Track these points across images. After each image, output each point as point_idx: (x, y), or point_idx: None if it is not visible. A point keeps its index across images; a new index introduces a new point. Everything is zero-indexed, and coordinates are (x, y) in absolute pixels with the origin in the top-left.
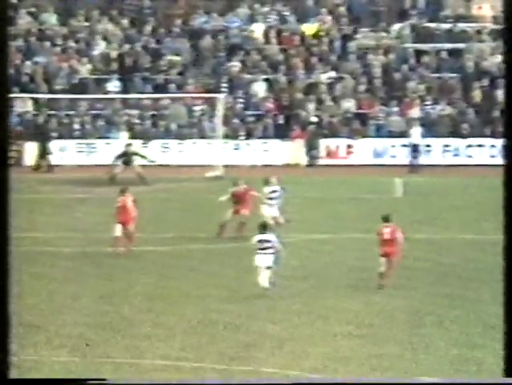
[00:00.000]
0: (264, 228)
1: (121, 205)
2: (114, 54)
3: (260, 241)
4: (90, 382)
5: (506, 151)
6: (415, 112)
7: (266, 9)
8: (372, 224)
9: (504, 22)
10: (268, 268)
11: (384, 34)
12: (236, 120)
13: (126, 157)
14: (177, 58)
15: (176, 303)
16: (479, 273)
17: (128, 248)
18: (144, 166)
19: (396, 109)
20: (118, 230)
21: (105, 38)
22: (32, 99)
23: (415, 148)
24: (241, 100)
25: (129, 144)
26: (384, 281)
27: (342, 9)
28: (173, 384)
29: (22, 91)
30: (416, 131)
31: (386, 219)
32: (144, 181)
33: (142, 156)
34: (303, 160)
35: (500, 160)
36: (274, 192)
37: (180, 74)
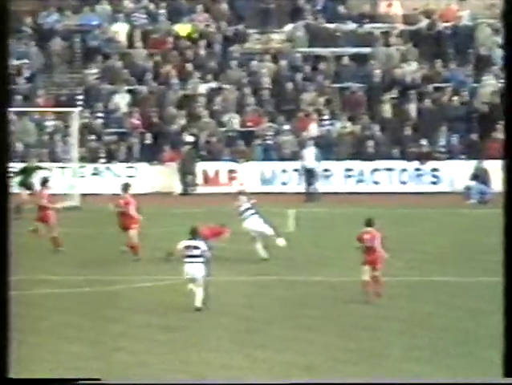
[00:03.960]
0: (193, 233)
1: (124, 206)
2: None
3: (188, 248)
4: (83, 381)
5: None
6: (311, 130)
7: (130, 5)
8: (258, 264)
9: (504, 26)
10: (197, 279)
11: (273, 36)
12: (94, 139)
13: (25, 174)
14: (24, 64)
15: (24, 360)
16: (389, 323)
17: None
18: None
19: (287, 126)
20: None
21: None
22: None
23: (309, 173)
24: (100, 115)
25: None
26: (371, 293)
27: (222, 6)
28: (168, 384)
29: None
30: (309, 153)
31: (368, 223)
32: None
33: (41, 168)
34: (177, 187)
35: (411, 188)
36: (248, 204)
37: (27, 82)
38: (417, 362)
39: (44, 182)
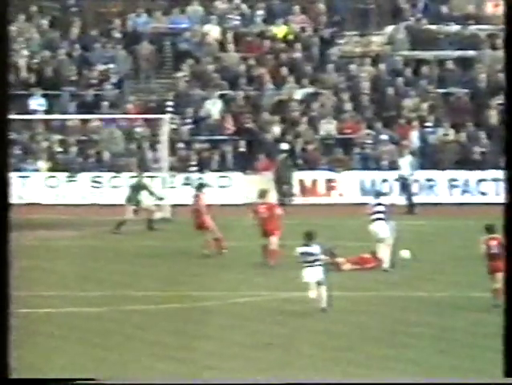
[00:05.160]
0: (309, 238)
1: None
2: (31, 63)
3: (303, 254)
4: (78, 381)
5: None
6: (413, 138)
7: (223, 6)
8: (353, 278)
9: (505, 26)
10: (319, 283)
11: (372, 38)
12: (185, 148)
13: (134, 192)
14: (111, 69)
15: (110, 379)
16: (491, 340)
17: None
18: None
19: (387, 133)
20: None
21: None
22: None
23: (405, 183)
24: (192, 122)
25: (140, 176)
26: (498, 299)
27: (320, 6)
28: (168, 384)
29: None
30: (405, 162)
31: (491, 229)
32: (151, 226)
33: (151, 192)
34: (272, 197)
35: None
36: (380, 204)
37: (115, 88)
38: None
39: (200, 187)
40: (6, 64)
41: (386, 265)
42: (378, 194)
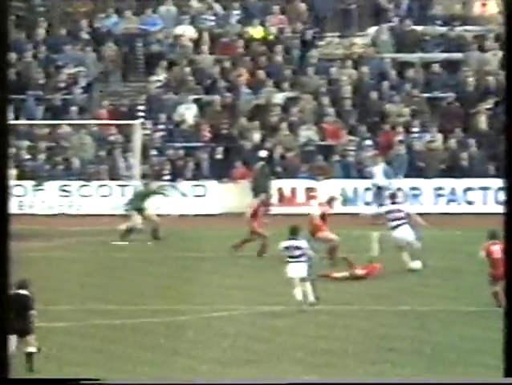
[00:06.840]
0: (294, 232)
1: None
2: None
3: (288, 248)
4: (83, 381)
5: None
6: (396, 145)
7: (197, 6)
8: (335, 292)
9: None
10: (303, 279)
11: (354, 40)
12: (157, 155)
13: (138, 200)
14: (80, 72)
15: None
16: (483, 357)
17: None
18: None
19: (370, 140)
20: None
21: None
22: None
23: (380, 192)
24: (165, 128)
25: (146, 183)
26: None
27: (300, 6)
28: (168, 384)
29: None
30: (378, 170)
31: (493, 235)
32: (156, 235)
33: (160, 194)
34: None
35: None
36: (399, 211)
37: (84, 92)
38: None
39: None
40: (5, 69)
41: (416, 265)
42: (392, 198)
